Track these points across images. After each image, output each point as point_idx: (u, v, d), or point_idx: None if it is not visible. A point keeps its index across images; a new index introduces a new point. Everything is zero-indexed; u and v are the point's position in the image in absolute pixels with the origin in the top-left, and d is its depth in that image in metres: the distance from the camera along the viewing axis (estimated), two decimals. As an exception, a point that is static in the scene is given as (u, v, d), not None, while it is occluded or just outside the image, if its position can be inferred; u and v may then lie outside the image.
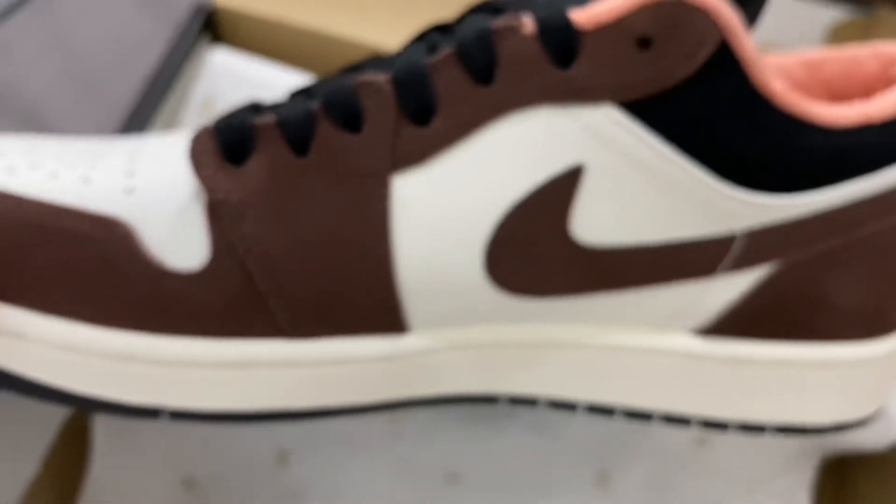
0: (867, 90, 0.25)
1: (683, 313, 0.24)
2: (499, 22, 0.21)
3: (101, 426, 0.32)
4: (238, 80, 0.33)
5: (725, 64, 0.21)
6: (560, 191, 0.21)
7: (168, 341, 0.21)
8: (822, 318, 0.24)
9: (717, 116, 0.21)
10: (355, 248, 0.22)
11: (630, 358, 0.25)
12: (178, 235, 0.21)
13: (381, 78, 0.21)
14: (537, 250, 0.22)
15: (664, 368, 0.25)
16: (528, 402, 0.25)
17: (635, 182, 0.22)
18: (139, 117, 0.36)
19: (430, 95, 0.21)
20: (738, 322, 0.24)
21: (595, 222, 0.22)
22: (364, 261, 0.22)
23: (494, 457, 0.34)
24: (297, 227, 0.21)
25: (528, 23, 0.21)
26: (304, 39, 0.35)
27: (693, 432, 0.33)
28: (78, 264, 0.21)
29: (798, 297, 0.24)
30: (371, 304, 0.22)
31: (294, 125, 0.21)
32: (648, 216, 0.22)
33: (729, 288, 0.23)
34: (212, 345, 0.22)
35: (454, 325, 0.24)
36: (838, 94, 0.26)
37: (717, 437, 0.33)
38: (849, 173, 0.22)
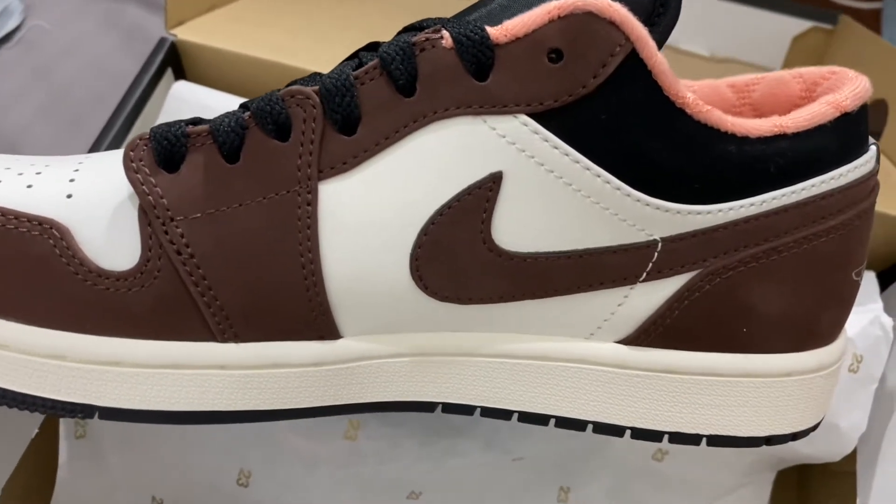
0: (792, 110, 0.26)
1: (609, 322, 0.24)
2: (419, 36, 0.22)
3: (66, 448, 0.33)
4: (198, 109, 0.34)
5: (636, 73, 0.21)
6: (480, 198, 0.22)
7: (98, 341, 0.22)
8: (749, 328, 0.24)
9: (629, 125, 0.22)
10: (284, 254, 0.22)
11: (559, 368, 0.25)
12: (111, 237, 0.22)
13: (308, 89, 0.22)
14: (461, 256, 0.23)
15: (593, 378, 0.25)
16: (463, 410, 0.26)
17: (552, 189, 0.22)
18: (113, 148, 0.38)
19: (354, 105, 0.22)
20: (663, 332, 0.25)
21: (515, 229, 0.23)
22: (292, 267, 0.22)
23: (455, 474, 0.34)
24: (227, 232, 0.22)
25: (446, 36, 0.22)
26: (261, 70, 0.36)
27: (652, 445, 0.33)
28: (13, 263, 0.22)
29: (723, 307, 0.24)
30: (301, 311, 0.23)
31: (225, 133, 0.22)
32: (566, 223, 0.23)
33: (652, 295, 0.24)
34: (142, 346, 0.22)
35: (384, 332, 0.24)
36: (765, 114, 0.27)
37: (677, 450, 0.33)
38: (763, 183, 0.23)
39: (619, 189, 0.22)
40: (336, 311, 0.23)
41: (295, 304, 0.23)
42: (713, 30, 0.48)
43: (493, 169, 0.22)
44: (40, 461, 0.33)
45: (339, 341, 0.24)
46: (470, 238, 0.23)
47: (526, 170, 0.22)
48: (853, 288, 0.25)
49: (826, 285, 0.25)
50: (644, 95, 0.22)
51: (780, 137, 0.23)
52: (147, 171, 0.22)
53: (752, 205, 0.23)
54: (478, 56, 0.21)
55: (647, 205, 0.23)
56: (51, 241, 0.22)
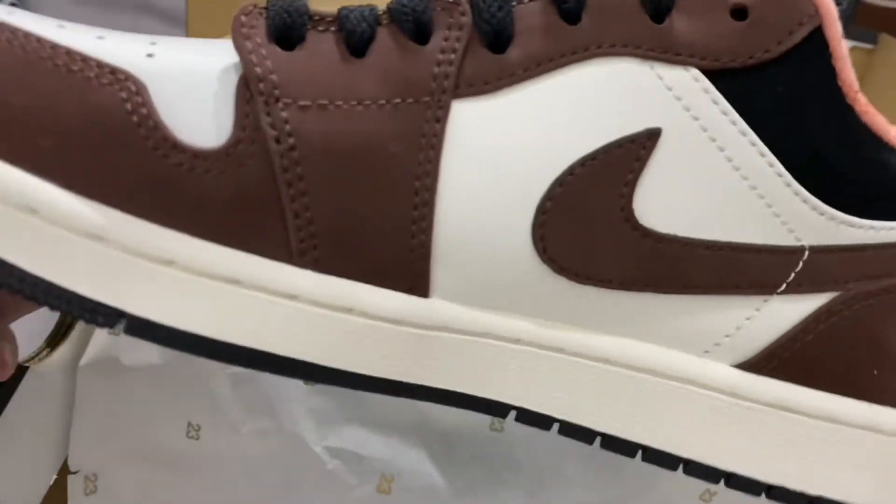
0: None
1: (730, 339, 0.21)
2: None
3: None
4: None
5: (817, 52, 0.20)
6: (630, 155, 0.19)
7: (151, 229, 0.17)
8: (882, 372, 0.22)
9: (803, 105, 0.20)
10: (396, 168, 0.19)
11: (666, 387, 0.21)
12: (198, 107, 0.18)
13: None
14: (592, 221, 0.20)
15: (699, 405, 0.21)
16: (541, 421, 0.21)
17: (711, 161, 0.20)
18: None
19: (509, 21, 0.19)
20: (788, 360, 0.21)
21: (660, 201, 0.20)
22: (404, 191, 0.19)
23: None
24: (339, 130, 0.18)
25: None
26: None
27: (700, 485, 0.29)
28: (70, 112, 0.17)
29: (857, 340, 0.21)
30: (399, 247, 0.19)
31: (355, 21, 0.19)
32: (716, 205, 0.20)
33: (786, 313, 0.21)
34: (204, 247, 0.18)
35: (481, 302, 0.20)
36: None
37: (723, 492, 0.29)
38: None
39: (780, 175, 0.20)
40: (437, 259, 0.19)
41: (395, 238, 0.19)
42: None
43: (652, 123, 0.19)
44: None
45: (430, 300, 0.20)
46: (608, 201, 0.19)
47: (687, 131, 0.19)
48: None
49: None
50: (821, 78, 0.20)
51: None
52: (259, 41, 0.18)
53: None
54: None
55: (805, 201, 0.20)
56: (123, 95, 0.17)
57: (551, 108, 0.19)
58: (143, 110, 0.17)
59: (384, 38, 0.19)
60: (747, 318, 0.21)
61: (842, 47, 0.20)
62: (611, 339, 0.21)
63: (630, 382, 0.21)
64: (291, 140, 0.18)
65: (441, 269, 0.20)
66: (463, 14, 0.19)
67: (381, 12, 0.19)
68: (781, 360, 0.21)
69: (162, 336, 0.18)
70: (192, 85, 0.18)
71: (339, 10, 0.19)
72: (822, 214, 0.20)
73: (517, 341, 0.21)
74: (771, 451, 0.22)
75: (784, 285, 0.21)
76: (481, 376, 0.21)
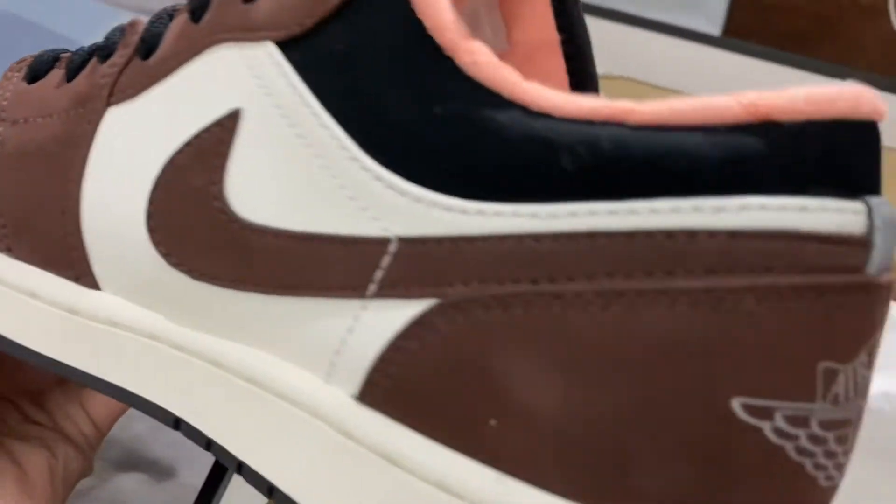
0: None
1: (340, 357, 0.17)
2: None
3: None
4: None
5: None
6: (217, 138, 0.18)
7: None
8: (502, 423, 0.15)
9: (369, 64, 0.16)
10: (56, 166, 0.21)
11: (290, 414, 0.18)
12: None
13: (142, 19, 0.22)
14: (191, 211, 0.19)
15: (319, 442, 0.17)
16: (198, 437, 0.20)
17: (285, 138, 0.17)
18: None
19: (159, 33, 0.20)
20: (391, 388, 0.16)
21: (248, 187, 0.18)
22: (58, 181, 0.21)
23: None
24: (30, 136, 0.22)
25: None
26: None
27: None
28: None
29: (461, 369, 0.15)
30: (56, 233, 0.21)
31: (75, 55, 0.23)
32: (296, 190, 0.17)
33: (380, 325, 0.16)
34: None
35: (139, 301, 0.21)
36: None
37: None
38: (572, 187, 0.15)
39: (345, 149, 0.16)
40: (89, 250, 0.21)
41: (54, 228, 0.21)
42: None
43: (233, 104, 0.18)
44: None
45: (101, 293, 0.21)
46: (202, 189, 0.19)
47: (262, 110, 0.18)
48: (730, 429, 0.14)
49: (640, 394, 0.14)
50: (393, 28, 0.16)
51: (614, 125, 0.15)
52: (15, 78, 0.23)
53: (534, 215, 0.15)
54: None
55: (379, 179, 0.16)
56: None
57: (166, 102, 0.20)
58: None
59: (90, 64, 0.22)
60: (349, 330, 0.17)
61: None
62: (232, 344, 0.19)
63: (251, 397, 0.19)
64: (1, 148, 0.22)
65: (96, 261, 0.21)
66: (135, 34, 0.21)
67: (98, 46, 0.23)
68: (384, 390, 0.16)
69: None
70: None
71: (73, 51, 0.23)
72: (404, 195, 0.16)
73: (155, 338, 0.20)
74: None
75: (373, 287, 0.16)
76: (143, 378, 0.21)
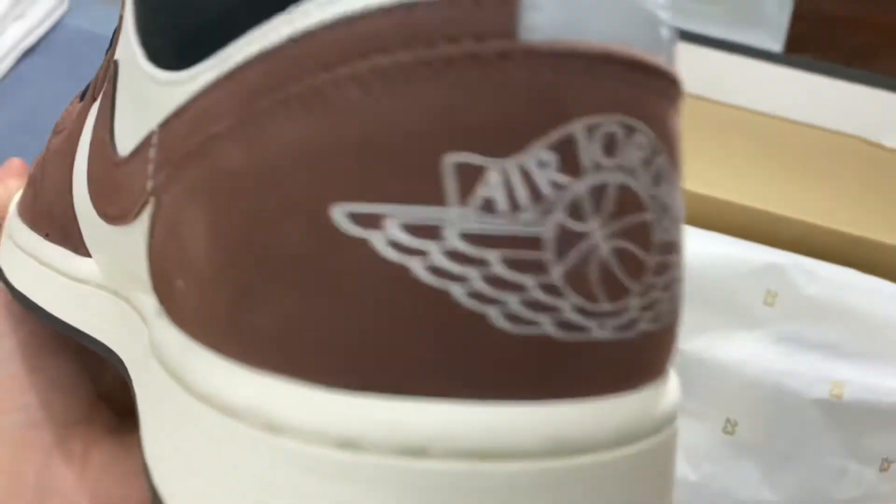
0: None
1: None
2: None
3: None
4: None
5: None
6: (111, 95, 0.19)
7: None
8: (181, 271, 0.15)
9: None
10: (66, 162, 0.23)
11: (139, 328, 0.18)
12: None
13: None
14: (98, 163, 0.19)
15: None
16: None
17: (126, 74, 0.18)
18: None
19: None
20: (155, 283, 0.16)
21: (119, 128, 0.18)
22: (66, 176, 0.22)
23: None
24: (58, 140, 0.24)
25: None
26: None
27: None
28: None
29: (171, 234, 0.15)
30: (61, 205, 0.23)
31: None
32: (133, 120, 0.18)
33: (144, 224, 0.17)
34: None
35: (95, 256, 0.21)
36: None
37: None
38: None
39: (139, 64, 0.17)
40: (79, 220, 0.22)
41: (64, 209, 0.22)
42: None
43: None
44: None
45: (88, 260, 0.22)
46: (102, 138, 0.20)
47: (123, 58, 0.18)
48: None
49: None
50: None
51: None
52: None
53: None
54: None
55: (151, 78, 0.16)
56: None
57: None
58: None
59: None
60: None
61: None
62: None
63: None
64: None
65: (83, 228, 0.22)
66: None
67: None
68: (155, 287, 0.17)
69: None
70: None
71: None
72: (156, 83, 0.16)
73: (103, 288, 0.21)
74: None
75: (150, 184, 0.16)
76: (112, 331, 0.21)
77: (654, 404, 0.13)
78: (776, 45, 0.79)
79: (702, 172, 0.51)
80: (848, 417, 0.41)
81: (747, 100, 0.66)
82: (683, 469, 0.42)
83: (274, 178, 0.13)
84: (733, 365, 0.43)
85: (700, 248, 0.45)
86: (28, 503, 0.23)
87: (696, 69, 0.70)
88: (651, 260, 0.13)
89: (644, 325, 0.13)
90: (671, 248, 0.13)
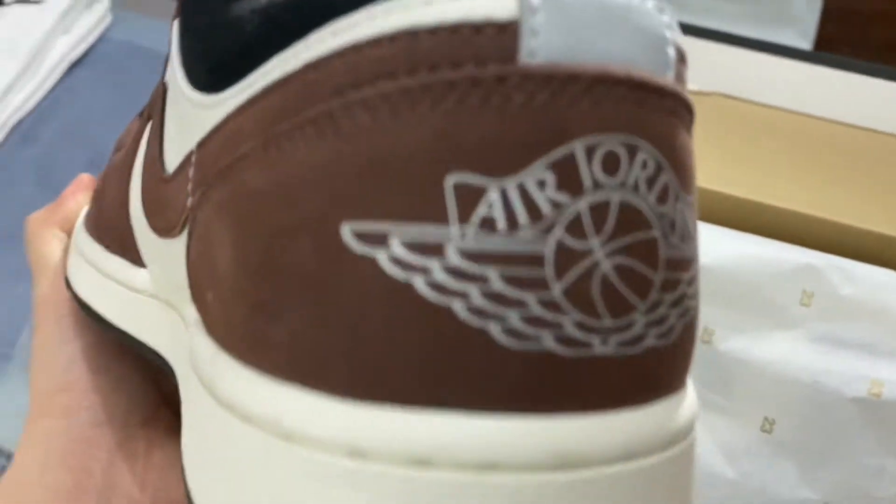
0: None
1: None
2: None
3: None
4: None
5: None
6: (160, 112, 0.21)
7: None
8: (212, 284, 0.16)
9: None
10: (124, 177, 0.24)
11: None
12: None
13: None
14: (151, 181, 0.21)
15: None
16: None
17: (173, 102, 0.20)
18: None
19: None
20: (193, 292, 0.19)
21: (167, 147, 0.20)
22: (123, 192, 0.24)
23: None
24: (119, 157, 0.25)
25: None
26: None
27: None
28: None
29: (204, 250, 0.17)
30: (119, 220, 0.24)
31: None
32: (179, 142, 0.19)
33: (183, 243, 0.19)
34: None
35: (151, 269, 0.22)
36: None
37: None
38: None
39: (182, 89, 0.19)
40: (135, 231, 0.23)
41: (120, 222, 0.24)
42: None
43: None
44: None
45: (144, 270, 0.23)
46: (153, 157, 0.21)
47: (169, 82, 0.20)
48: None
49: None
50: None
51: None
52: None
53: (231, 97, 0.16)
54: None
55: (188, 99, 0.18)
56: None
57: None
58: None
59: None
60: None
61: None
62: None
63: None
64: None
65: (138, 238, 0.23)
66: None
67: None
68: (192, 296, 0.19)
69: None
70: None
71: None
72: (193, 105, 0.18)
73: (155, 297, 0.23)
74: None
75: (191, 200, 0.18)
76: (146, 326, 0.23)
77: (664, 419, 0.14)
78: (805, 43, 0.79)
79: (734, 174, 0.52)
80: (886, 416, 0.41)
81: (779, 99, 0.67)
82: (721, 466, 0.43)
83: (289, 198, 0.13)
84: (771, 364, 0.44)
85: (735, 249, 0.46)
86: (93, 500, 0.24)
87: (725, 68, 0.70)
88: (658, 276, 0.13)
89: (651, 341, 0.13)
90: (680, 264, 0.14)
